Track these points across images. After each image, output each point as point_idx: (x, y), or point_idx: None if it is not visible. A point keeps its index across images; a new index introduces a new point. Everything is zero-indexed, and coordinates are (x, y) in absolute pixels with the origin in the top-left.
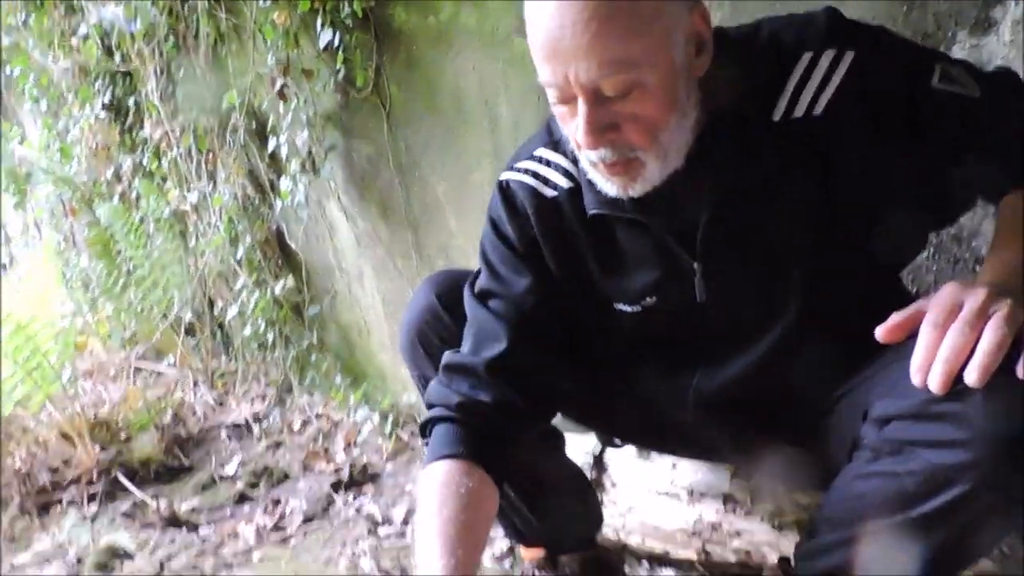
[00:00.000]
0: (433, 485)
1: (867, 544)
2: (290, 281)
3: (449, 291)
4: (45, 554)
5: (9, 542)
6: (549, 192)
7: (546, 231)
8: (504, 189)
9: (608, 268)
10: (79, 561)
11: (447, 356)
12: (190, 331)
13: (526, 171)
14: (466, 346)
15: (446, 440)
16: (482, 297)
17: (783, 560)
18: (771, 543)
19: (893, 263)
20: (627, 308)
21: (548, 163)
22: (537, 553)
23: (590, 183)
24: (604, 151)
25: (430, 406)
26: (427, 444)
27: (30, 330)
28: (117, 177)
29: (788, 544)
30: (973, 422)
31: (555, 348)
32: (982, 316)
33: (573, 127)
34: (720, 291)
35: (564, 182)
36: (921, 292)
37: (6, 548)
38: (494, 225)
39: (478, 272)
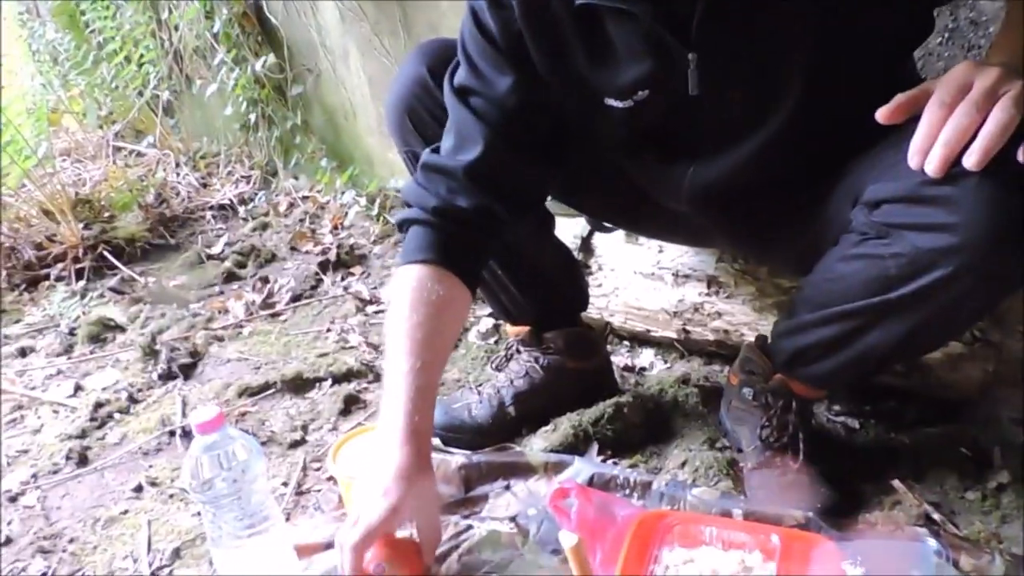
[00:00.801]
0: (405, 289)
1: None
2: (271, 58)
3: (440, 63)
4: (37, 326)
5: None
6: None
7: (531, 22)
8: None
9: (597, 61)
10: (71, 332)
11: (426, 155)
12: (168, 110)
13: None
14: (446, 144)
15: (420, 244)
16: (462, 93)
17: (760, 337)
18: (750, 324)
19: (902, 46)
20: (618, 103)
21: None
22: (522, 330)
23: None
24: None
25: (406, 205)
26: (403, 241)
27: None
28: None
29: (766, 325)
30: (963, 206)
31: (539, 149)
32: (991, 97)
33: None
34: (715, 84)
35: None
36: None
37: None
38: (475, 15)
39: (458, 62)
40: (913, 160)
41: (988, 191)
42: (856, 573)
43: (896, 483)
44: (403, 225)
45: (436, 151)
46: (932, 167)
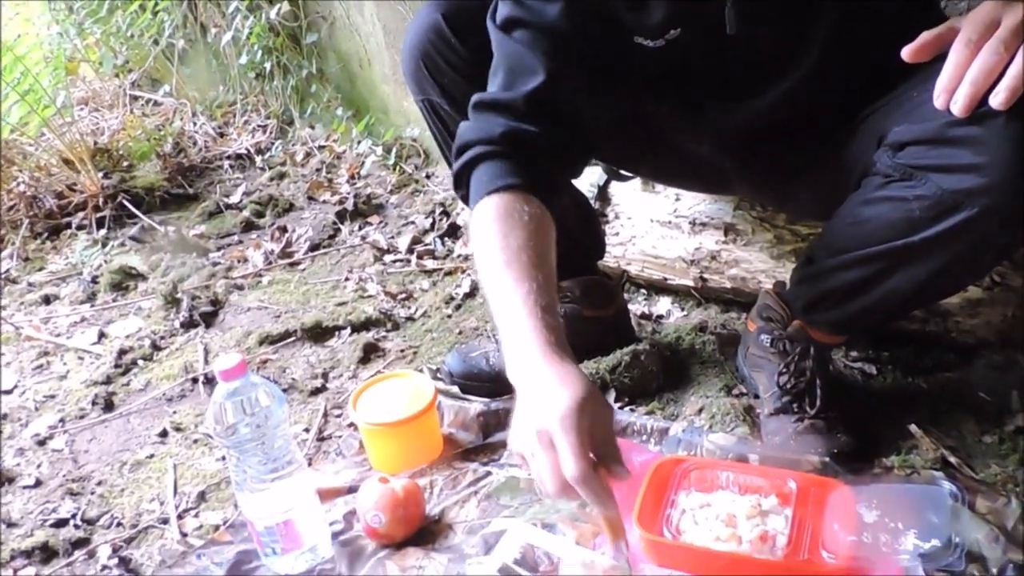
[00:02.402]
0: (490, 221)
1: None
2: (285, 6)
3: (455, 9)
4: (60, 274)
5: (23, 262)
6: None
7: None
8: None
9: None
10: (94, 280)
11: (477, 96)
12: (184, 59)
13: None
14: (496, 83)
15: (495, 173)
16: (508, 27)
17: (778, 284)
18: (767, 271)
19: None
20: (648, 42)
21: None
22: None
23: None
24: None
25: (464, 147)
26: (463, 195)
27: (17, 51)
28: None
29: (784, 273)
30: (990, 146)
31: (589, 79)
32: (1018, 35)
33: None
34: (751, 23)
35: None
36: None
37: (21, 268)
38: None
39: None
40: (939, 100)
41: (1015, 131)
42: (872, 517)
43: (913, 428)
44: (467, 169)
45: (484, 92)
46: (958, 107)
